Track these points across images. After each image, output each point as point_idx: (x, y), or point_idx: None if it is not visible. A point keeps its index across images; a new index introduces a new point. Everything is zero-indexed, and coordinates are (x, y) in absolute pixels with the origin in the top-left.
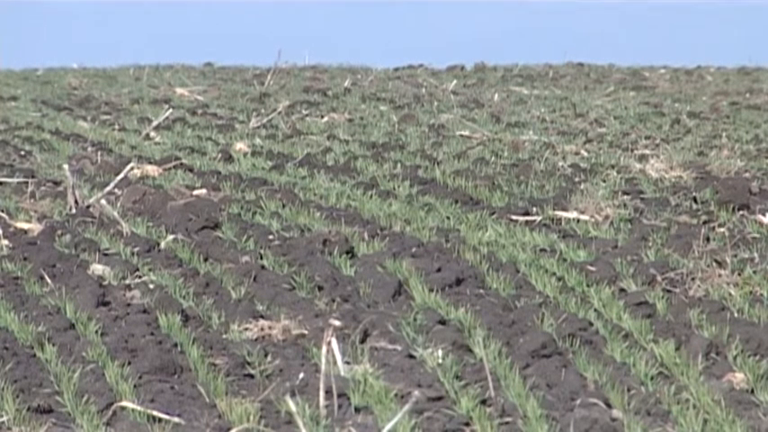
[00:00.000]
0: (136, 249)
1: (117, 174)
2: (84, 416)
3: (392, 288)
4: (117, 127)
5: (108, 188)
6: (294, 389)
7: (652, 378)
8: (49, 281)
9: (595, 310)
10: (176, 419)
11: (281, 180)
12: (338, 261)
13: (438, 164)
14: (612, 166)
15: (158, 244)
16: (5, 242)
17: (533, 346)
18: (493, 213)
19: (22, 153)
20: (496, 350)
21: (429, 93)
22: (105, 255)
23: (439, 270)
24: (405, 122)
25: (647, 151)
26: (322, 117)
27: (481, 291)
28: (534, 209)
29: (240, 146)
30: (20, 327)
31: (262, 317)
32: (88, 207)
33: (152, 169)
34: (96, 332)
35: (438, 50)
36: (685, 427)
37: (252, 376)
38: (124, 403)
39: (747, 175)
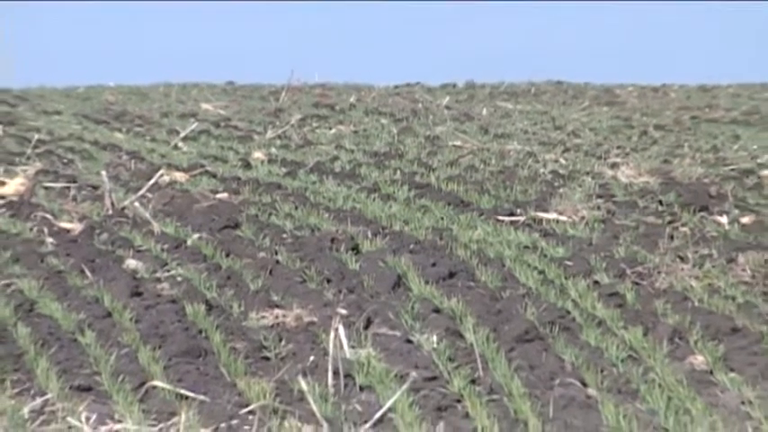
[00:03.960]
0: (165, 246)
1: (148, 179)
2: (120, 393)
3: (392, 280)
4: (148, 138)
5: (140, 192)
6: (305, 370)
7: (622, 360)
8: (88, 274)
9: (572, 300)
10: (201, 397)
11: (293, 185)
12: (344, 257)
13: (433, 170)
14: (587, 173)
15: (185, 241)
16: (51, 240)
17: (517, 332)
18: (481, 214)
19: (65, 161)
20: (485, 335)
21: (425, 108)
22: (138, 251)
23: (434, 265)
24: (403, 134)
25: (618, 159)
26: (330, 129)
27: (471, 283)
28: (518, 210)
29: (258, 154)
30: (63, 315)
31: (277, 306)
32: (123, 209)
33: (180, 175)
34: (130, 320)
35: (433, 69)
36: (652, 404)
37: (268, 359)
38: (155, 383)
39: (707, 180)
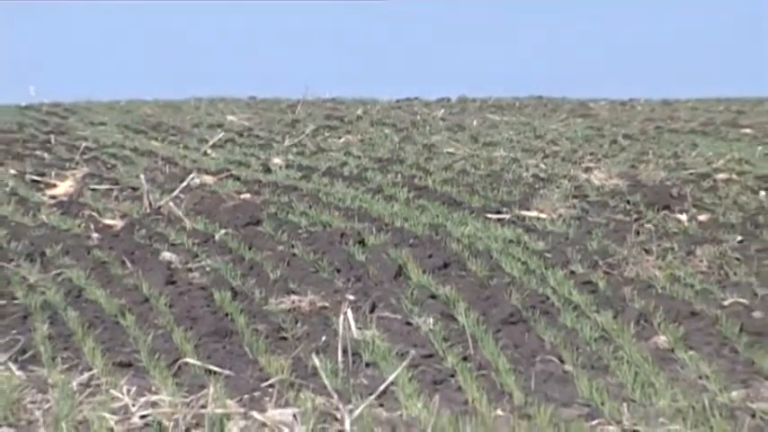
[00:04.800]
0: (196, 241)
1: (181, 182)
2: (156, 369)
3: (394, 270)
4: (181, 145)
5: (174, 193)
6: (318, 349)
7: (595, 340)
8: (129, 265)
9: (551, 287)
10: (227, 372)
11: (308, 187)
12: (352, 249)
13: (429, 174)
14: (564, 176)
15: (213, 236)
16: (96, 235)
17: (503, 315)
18: (472, 212)
19: (109, 166)
20: (475, 318)
21: (422, 119)
22: (172, 245)
23: (430, 256)
24: (404, 142)
25: (591, 165)
26: (340, 138)
27: (463, 272)
28: (504, 209)
29: (277, 160)
30: (106, 300)
31: (293, 293)
32: (159, 208)
33: (208, 178)
34: (165, 305)
35: (429, 86)
36: (621, 378)
37: (285, 339)
38: (187, 359)
39: (669, 183)
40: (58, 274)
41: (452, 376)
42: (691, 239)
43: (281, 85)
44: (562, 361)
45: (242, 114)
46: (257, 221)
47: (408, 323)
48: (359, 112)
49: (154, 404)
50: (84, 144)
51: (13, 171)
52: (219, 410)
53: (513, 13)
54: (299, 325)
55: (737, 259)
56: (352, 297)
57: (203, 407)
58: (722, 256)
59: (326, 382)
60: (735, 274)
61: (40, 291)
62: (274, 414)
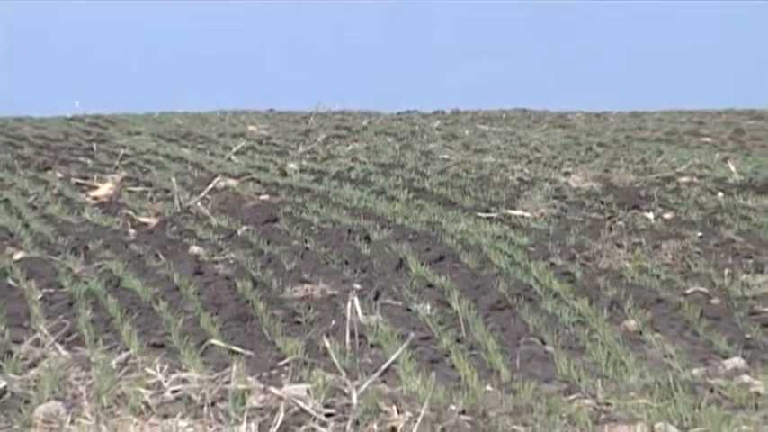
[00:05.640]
0: (221, 236)
1: (208, 184)
2: (186, 350)
3: (395, 262)
4: (208, 152)
5: (202, 194)
6: (328, 332)
7: (573, 324)
8: (161, 258)
9: (534, 277)
10: (248, 352)
11: (319, 189)
12: (358, 244)
13: (427, 178)
14: (546, 180)
15: (236, 232)
16: (132, 231)
17: (492, 302)
18: (464, 211)
19: (144, 170)
20: (467, 305)
21: (420, 129)
22: (200, 240)
23: (428, 250)
24: (404, 150)
25: (569, 169)
26: (347, 146)
27: (456, 264)
28: (492, 208)
29: (292, 165)
30: (142, 288)
31: (306, 282)
32: (188, 207)
33: (232, 181)
34: (193, 293)
35: (427, 100)
36: (595, 357)
37: (299, 323)
38: (213, 341)
39: (637, 185)
40: (100, 266)
41: (447, 356)
42: (657, 235)
43: (295, 99)
44: (544, 342)
45: (261, 125)
46: (275, 219)
47: (408, 309)
48: (364, 122)
49: (183, 380)
50: (122, 151)
51: (59, 175)
52: (241, 386)
53: (500, 36)
54: (311, 311)
55: (698, 253)
56: (358, 286)
57: (227, 383)
58: (684, 249)
59: (336, 361)
60: (695, 265)
61: (84, 280)
62: (290, 389)
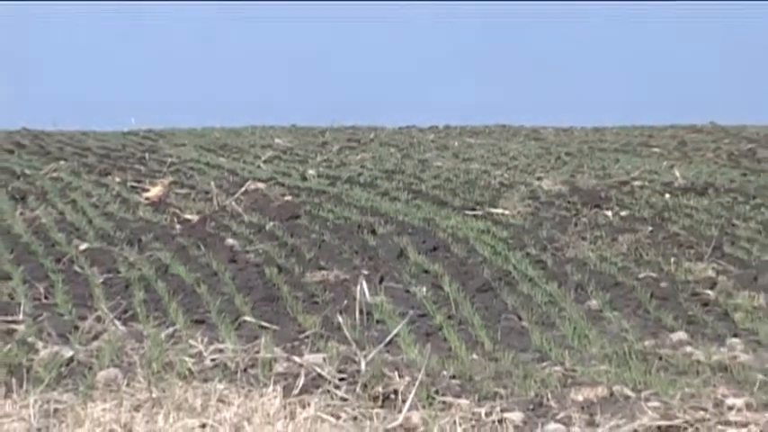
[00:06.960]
0: (252, 230)
1: (241, 187)
2: (223, 325)
3: (397, 252)
4: (241, 161)
5: (236, 195)
6: (341, 310)
7: (545, 303)
8: (202, 248)
9: (513, 264)
10: (275, 327)
11: (334, 191)
12: (366, 237)
13: (423, 181)
14: (522, 183)
15: (264, 227)
16: (178, 226)
17: (477, 285)
18: (454, 210)
19: (188, 176)
20: (456, 288)
21: (418, 141)
22: (234, 233)
23: (424, 242)
24: (404, 158)
25: (541, 174)
26: (357, 155)
27: (448, 254)
28: (478, 207)
29: (311, 172)
30: (186, 274)
31: (323, 269)
32: (225, 206)
33: (261, 185)
34: (229, 277)
35: (423, 117)
36: (564, 331)
37: (317, 303)
38: (245, 318)
39: (598, 188)
40: (150, 255)
41: (440, 330)
42: (614, 229)
43: (314, 115)
44: (520, 318)
45: (285, 138)
46: (297, 216)
47: (407, 291)
48: (371, 136)
49: (220, 350)
50: (169, 159)
51: (117, 180)
52: (269, 355)
53: (482, 62)
54: (327, 292)
55: (649, 244)
56: (366, 272)
57: (257, 352)
58: (637, 241)
59: (347, 334)
60: (647, 255)
61: (138, 267)
62: (309, 358)
